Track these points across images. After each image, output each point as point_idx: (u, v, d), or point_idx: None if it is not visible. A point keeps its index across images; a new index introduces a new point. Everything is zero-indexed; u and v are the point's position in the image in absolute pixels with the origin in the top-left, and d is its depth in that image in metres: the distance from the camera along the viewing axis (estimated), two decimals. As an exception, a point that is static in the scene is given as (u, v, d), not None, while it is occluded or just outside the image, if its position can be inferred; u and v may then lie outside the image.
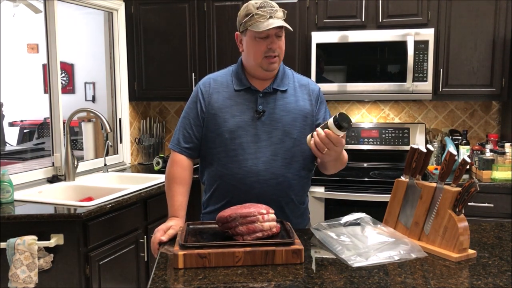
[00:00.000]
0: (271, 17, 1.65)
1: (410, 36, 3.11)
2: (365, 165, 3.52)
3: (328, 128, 1.49)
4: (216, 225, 1.53)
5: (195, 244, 1.38)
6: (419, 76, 3.12)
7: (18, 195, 2.52)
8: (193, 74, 3.56)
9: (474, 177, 3.05)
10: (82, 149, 3.98)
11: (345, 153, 1.79)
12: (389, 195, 1.66)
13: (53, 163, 3.06)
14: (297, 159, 1.76)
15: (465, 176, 3.09)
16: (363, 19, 3.25)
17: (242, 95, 1.78)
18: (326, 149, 1.51)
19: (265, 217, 1.44)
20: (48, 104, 3.08)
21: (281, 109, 1.77)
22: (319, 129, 1.52)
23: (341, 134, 1.49)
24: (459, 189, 1.43)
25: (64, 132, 3.05)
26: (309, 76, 3.16)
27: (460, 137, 3.34)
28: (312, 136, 1.56)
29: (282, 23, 1.66)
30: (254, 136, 1.74)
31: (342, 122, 1.46)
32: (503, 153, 2.97)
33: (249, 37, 1.72)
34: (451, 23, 3.15)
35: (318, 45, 3.25)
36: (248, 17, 1.68)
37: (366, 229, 1.55)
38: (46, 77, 3.14)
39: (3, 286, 2.21)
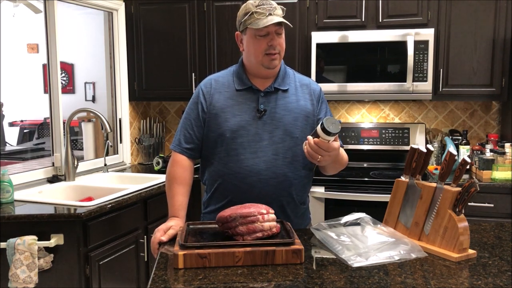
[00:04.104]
0: (270, 14, 1.66)
1: (410, 36, 3.11)
2: (365, 165, 3.52)
3: (318, 135, 1.49)
4: (216, 225, 1.53)
5: (195, 244, 1.38)
6: (419, 76, 3.12)
7: (18, 195, 2.52)
8: (193, 74, 3.56)
9: (474, 177, 3.05)
10: (82, 149, 3.98)
11: (344, 154, 1.78)
12: (389, 195, 1.66)
13: (53, 163, 3.06)
14: (298, 158, 1.76)
15: (465, 176, 3.09)
16: (363, 19, 3.25)
17: (243, 95, 1.78)
18: (319, 157, 1.51)
19: (265, 217, 1.44)
20: (48, 104, 3.09)
21: (282, 109, 1.77)
22: (309, 137, 1.52)
23: (331, 139, 1.49)
24: (459, 189, 1.43)
25: (64, 132, 3.04)
26: (309, 76, 3.15)
27: (460, 137, 3.34)
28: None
29: (281, 19, 1.67)
30: (255, 136, 1.74)
31: (329, 127, 1.45)
32: (503, 153, 2.97)
33: (249, 36, 1.73)
34: (451, 23, 3.15)
35: (318, 45, 3.25)
36: (247, 16, 1.69)
37: (366, 229, 1.55)
38: (46, 77, 3.14)
39: (3, 286, 2.21)
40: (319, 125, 1.49)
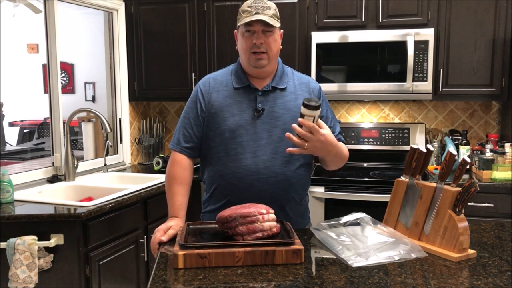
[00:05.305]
0: (257, 13, 1.68)
1: (410, 36, 3.11)
2: (365, 165, 3.52)
3: (303, 117, 1.51)
4: (216, 225, 1.53)
5: (195, 244, 1.38)
6: (419, 76, 3.12)
7: (18, 195, 2.52)
8: (193, 74, 3.56)
9: (474, 177, 3.05)
10: (82, 149, 3.98)
11: (344, 148, 1.77)
12: (389, 195, 1.66)
13: (53, 163, 3.06)
14: (297, 157, 1.76)
15: (465, 176, 3.09)
16: (363, 19, 3.25)
17: (241, 94, 1.78)
18: (306, 143, 1.52)
19: (265, 217, 1.44)
20: (48, 104, 3.08)
21: (281, 108, 1.77)
22: (294, 125, 1.53)
23: (315, 113, 1.50)
24: (459, 189, 1.43)
25: (64, 132, 3.05)
26: (309, 76, 3.17)
27: (460, 137, 3.34)
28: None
29: (265, 18, 1.67)
30: (254, 135, 1.74)
31: (309, 102, 1.48)
32: (503, 153, 2.97)
33: (239, 33, 1.77)
34: (451, 23, 3.15)
35: (318, 45, 3.25)
36: (239, 14, 1.73)
37: (366, 229, 1.55)
38: (46, 77, 3.14)
39: (3, 286, 2.21)
40: (301, 105, 1.51)
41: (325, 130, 1.55)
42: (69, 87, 6.13)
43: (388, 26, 3.20)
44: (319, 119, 1.54)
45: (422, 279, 1.27)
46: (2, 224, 2.20)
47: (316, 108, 1.49)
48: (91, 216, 2.30)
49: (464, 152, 3.19)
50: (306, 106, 1.49)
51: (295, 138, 1.52)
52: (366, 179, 3.05)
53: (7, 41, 5.97)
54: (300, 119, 1.51)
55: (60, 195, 2.80)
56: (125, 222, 2.59)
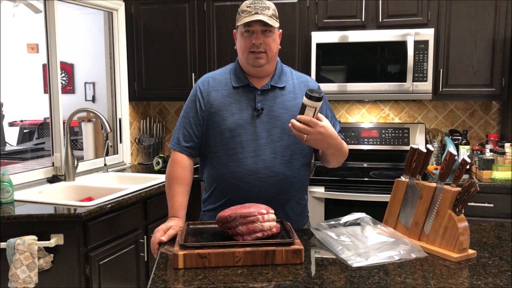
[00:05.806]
0: (256, 13, 1.69)
1: (410, 36, 3.11)
2: (365, 165, 3.52)
3: (303, 110, 1.51)
4: (216, 225, 1.53)
5: (195, 244, 1.38)
6: (419, 76, 3.12)
7: (18, 195, 2.52)
8: (193, 74, 3.56)
9: (474, 177, 3.05)
10: (82, 149, 3.98)
11: (344, 144, 1.78)
12: (389, 195, 1.66)
13: (53, 163, 3.06)
14: (297, 156, 1.76)
15: (465, 176, 3.08)
16: (363, 19, 3.25)
17: (240, 93, 1.79)
18: (305, 136, 1.52)
19: (265, 217, 1.44)
20: (48, 104, 3.08)
21: (280, 107, 1.77)
22: (293, 120, 1.53)
23: (317, 104, 1.50)
24: (459, 189, 1.43)
25: (64, 132, 3.05)
26: (308, 75, 3.16)
27: (460, 137, 3.34)
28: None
29: (264, 18, 1.68)
30: (253, 134, 1.74)
31: (312, 93, 1.48)
32: (503, 153, 2.97)
33: (238, 33, 1.77)
34: (451, 23, 3.15)
35: (318, 45, 3.25)
36: (238, 14, 1.74)
37: (366, 229, 1.55)
38: (46, 77, 3.14)
39: (3, 286, 2.21)
40: (304, 96, 1.51)
41: (325, 122, 1.55)
42: (69, 87, 6.13)
43: (388, 26, 3.20)
44: (318, 113, 1.54)
45: (422, 279, 1.27)
46: (2, 224, 2.20)
47: (318, 99, 1.49)
48: (91, 216, 2.30)
49: (464, 152, 3.19)
50: (309, 97, 1.49)
51: (294, 130, 1.52)
52: (366, 179, 3.05)
53: (7, 41, 5.97)
54: (299, 116, 1.51)
55: (60, 195, 2.80)
56: (125, 222, 2.59)
